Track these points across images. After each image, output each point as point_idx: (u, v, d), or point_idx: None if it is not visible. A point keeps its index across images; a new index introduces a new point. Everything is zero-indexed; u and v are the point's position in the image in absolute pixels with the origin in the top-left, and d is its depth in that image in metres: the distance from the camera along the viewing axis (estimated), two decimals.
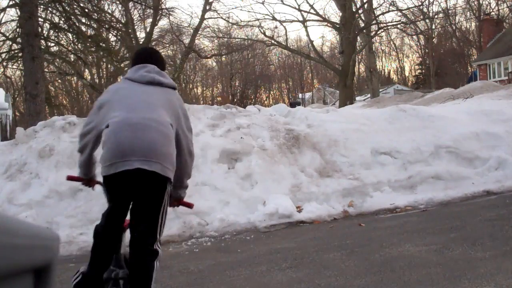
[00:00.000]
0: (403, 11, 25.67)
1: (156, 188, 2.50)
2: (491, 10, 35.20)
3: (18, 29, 12.05)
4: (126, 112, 2.50)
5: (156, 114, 2.52)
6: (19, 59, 12.28)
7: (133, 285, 2.49)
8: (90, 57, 18.26)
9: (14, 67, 16.56)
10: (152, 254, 2.53)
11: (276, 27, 31.45)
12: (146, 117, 2.49)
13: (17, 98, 33.62)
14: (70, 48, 14.99)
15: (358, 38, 23.90)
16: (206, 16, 22.98)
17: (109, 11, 20.76)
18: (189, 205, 2.98)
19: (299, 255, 4.17)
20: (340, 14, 23.59)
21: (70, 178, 3.08)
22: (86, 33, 15.41)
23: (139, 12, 25.13)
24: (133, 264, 2.53)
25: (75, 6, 13.10)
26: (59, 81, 31.71)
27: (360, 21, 24.34)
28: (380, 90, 29.97)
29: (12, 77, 30.63)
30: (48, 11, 13.56)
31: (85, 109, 36.90)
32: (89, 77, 31.86)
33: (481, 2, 37.20)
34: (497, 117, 8.42)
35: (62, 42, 14.82)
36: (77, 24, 13.42)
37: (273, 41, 25.47)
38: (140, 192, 2.51)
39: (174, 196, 2.80)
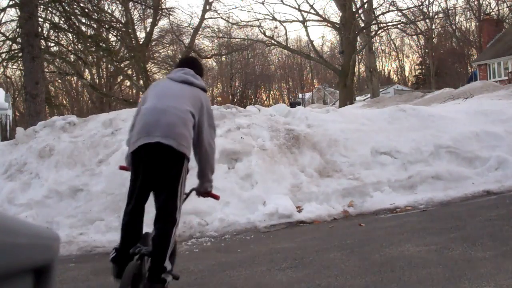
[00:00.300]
0: (403, 11, 25.67)
1: (173, 161, 2.92)
2: (491, 10, 35.21)
3: (18, 29, 12.05)
4: (155, 101, 3.04)
5: (178, 103, 3.01)
6: (19, 59, 12.28)
7: (152, 250, 2.83)
8: (90, 57, 18.24)
9: (14, 67, 16.57)
10: (172, 222, 2.89)
11: (276, 27, 31.45)
12: (170, 105, 2.99)
13: (17, 98, 33.61)
14: (70, 48, 14.98)
15: (358, 38, 23.90)
16: (206, 16, 23.01)
17: (109, 11, 20.78)
18: (216, 197, 3.35)
19: (299, 255, 4.17)
20: (340, 14, 23.59)
21: (121, 167, 3.43)
22: (86, 33, 15.41)
23: (139, 12, 25.15)
24: (155, 231, 2.90)
25: (75, 6, 13.10)
26: (59, 81, 31.68)
27: (360, 21, 24.34)
28: (380, 90, 29.97)
29: (12, 77, 30.63)
30: (48, 11, 13.56)
31: (85, 109, 36.89)
32: (89, 77, 31.86)
33: (481, 2, 37.22)
34: (497, 117, 8.42)
35: (62, 42, 14.83)
36: (77, 24, 13.42)
37: (273, 41, 25.47)
38: (160, 165, 2.90)
39: (201, 189, 3.27)
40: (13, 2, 12.66)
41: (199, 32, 23.64)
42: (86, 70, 29.81)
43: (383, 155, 7.17)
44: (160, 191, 2.94)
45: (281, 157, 6.79)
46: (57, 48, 15.36)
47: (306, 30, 27.03)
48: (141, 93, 29.10)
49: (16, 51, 12.48)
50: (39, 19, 12.20)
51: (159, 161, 2.90)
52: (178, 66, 3.38)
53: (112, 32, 17.05)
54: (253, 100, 45.44)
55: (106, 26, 15.57)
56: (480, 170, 6.97)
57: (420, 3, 28.88)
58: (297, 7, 24.33)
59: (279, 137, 7.18)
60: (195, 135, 3.06)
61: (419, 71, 48.85)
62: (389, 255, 3.93)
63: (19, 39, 11.96)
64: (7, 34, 14.81)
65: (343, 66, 23.20)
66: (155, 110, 2.99)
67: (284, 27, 30.65)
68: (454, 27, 38.64)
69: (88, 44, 14.10)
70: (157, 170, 2.91)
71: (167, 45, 27.88)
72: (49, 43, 14.32)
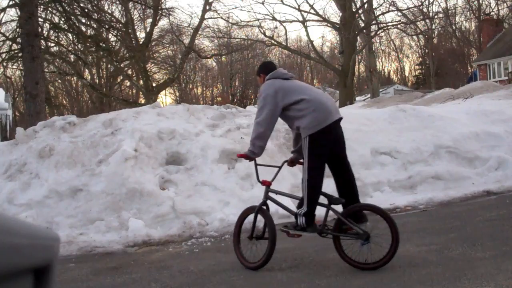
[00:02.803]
0: (403, 11, 25.68)
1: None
2: (491, 10, 35.22)
3: (18, 29, 12.05)
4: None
5: None
6: (19, 59, 12.28)
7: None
8: (90, 57, 18.27)
9: (14, 67, 16.57)
10: None
11: (276, 27, 31.43)
12: None
13: (17, 98, 33.62)
14: (70, 48, 15.00)
15: (358, 38, 23.90)
16: (206, 16, 22.96)
17: (109, 11, 20.76)
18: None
19: (299, 255, 4.17)
20: (340, 14, 23.58)
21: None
22: (86, 33, 15.42)
23: (139, 12, 25.13)
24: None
25: (75, 6, 13.10)
26: (59, 81, 31.68)
27: (360, 21, 24.34)
28: (380, 90, 29.97)
29: (12, 77, 30.63)
30: (48, 11, 13.57)
31: (85, 109, 36.91)
32: (89, 77, 31.87)
33: (481, 2, 37.23)
34: (497, 117, 8.42)
35: (62, 42, 14.83)
36: (77, 24, 13.43)
37: (273, 41, 25.46)
38: None
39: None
40: (13, 2, 12.66)
41: (199, 32, 23.62)
42: (86, 70, 29.84)
43: (383, 155, 7.16)
44: None
45: (281, 157, 6.78)
46: (57, 48, 15.38)
47: (306, 30, 26.97)
48: (141, 93, 29.13)
49: (16, 51, 12.49)
50: (39, 19, 12.21)
51: None
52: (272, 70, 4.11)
53: (112, 32, 17.07)
54: (253, 100, 45.41)
55: (106, 26, 15.58)
56: (480, 170, 6.97)
57: (420, 3, 28.91)
58: (297, 7, 24.34)
59: (279, 137, 7.18)
60: None
61: (419, 71, 48.84)
62: None
63: (19, 39, 11.97)
64: (7, 34, 14.82)
65: (343, 66, 23.20)
66: None
67: (284, 27, 30.61)
68: (454, 27, 38.66)
69: (88, 44, 14.11)
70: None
71: (167, 45, 27.88)
72: (49, 43, 14.33)
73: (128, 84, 34.71)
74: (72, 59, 16.08)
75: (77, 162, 6.34)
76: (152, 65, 27.91)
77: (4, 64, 14.85)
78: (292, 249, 4.40)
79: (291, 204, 5.83)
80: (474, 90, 13.96)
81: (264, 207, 3.96)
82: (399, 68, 54.07)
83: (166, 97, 43.95)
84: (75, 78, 28.95)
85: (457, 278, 3.23)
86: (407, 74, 53.77)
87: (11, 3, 13.01)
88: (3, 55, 13.53)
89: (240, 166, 6.47)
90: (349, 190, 3.83)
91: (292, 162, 4.20)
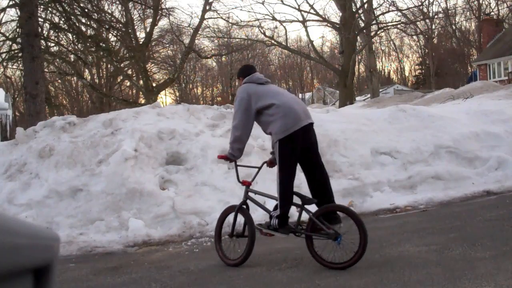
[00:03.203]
0: (403, 11, 25.68)
1: None
2: (491, 10, 35.21)
3: (18, 29, 12.04)
4: None
5: None
6: (19, 59, 12.28)
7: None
8: (90, 57, 18.25)
9: (14, 67, 16.54)
10: None
11: (276, 27, 31.45)
12: None
13: (17, 98, 33.62)
14: (70, 48, 14.99)
15: (358, 38, 23.89)
16: (206, 16, 22.93)
17: (109, 11, 20.76)
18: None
19: (299, 255, 4.17)
20: (340, 14, 23.57)
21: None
22: (86, 33, 15.41)
23: (139, 12, 25.11)
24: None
25: (75, 6, 13.10)
26: (59, 81, 31.67)
27: (360, 21, 24.33)
28: (380, 90, 29.98)
29: (12, 77, 30.64)
30: (48, 11, 13.56)
31: (85, 109, 36.90)
32: (89, 77, 31.86)
33: (481, 2, 37.22)
34: (497, 117, 8.42)
35: (62, 42, 14.82)
36: (77, 24, 13.42)
37: (273, 41, 25.45)
38: None
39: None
40: (13, 2, 12.65)
41: (199, 32, 23.59)
42: (86, 70, 29.83)
43: (383, 155, 7.16)
44: None
45: None
46: (57, 48, 15.37)
47: (306, 30, 26.96)
48: (141, 93, 29.13)
49: (16, 51, 12.48)
50: (39, 19, 12.20)
51: None
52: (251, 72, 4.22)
53: (112, 32, 17.07)
54: None
55: (106, 26, 15.57)
56: (480, 170, 6.97)
57: (420, 3, 28.94)
58: (297, 7, 24.33)
59: None
60: None
61: (419, 71, 48.84)
62: (389, 255, 3.93)
63: (19, 39, 11.96)
64: (7, 34, 14.80)
65: (343, 66, 23.19)
66: None
67: (284, 27, 30.60)
68: (454, 27, 38.65)
69: (88, 44, 14.11)
70: None
71: (167, 45, 27.88)
72: (49, 43, 14.32)
73: (128, 84, 34.71)
74: (72, 59, 16.07)
75: (77, 162, 6.33)
76: (152, 65, 27.91)
77: (4, 64, 14.83)
78: (292, 249, 4.40)
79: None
80: (474, 90, 13.96)
81: (244, 207, 4.15)
82: (399, 68, 54.11)
83: (166, 97, 44.00)
84: (75, 78, 28.94)
85: (457, 278, 3.23)
86: (407, 74, 53.82)
87: (11, 3, 13.00)
88: (3, 55, 13.52)
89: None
90: (322, 191, 3.95)
91: (271, 163, 4.33)
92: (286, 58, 49.21)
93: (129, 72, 25.59)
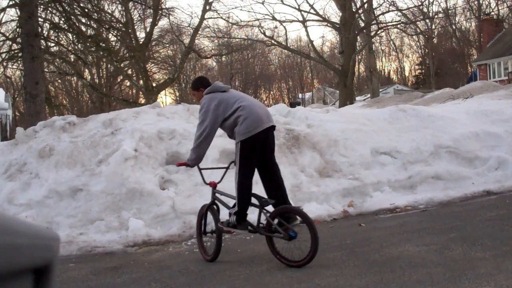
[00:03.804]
0: (403, 11, 25.68)
1: None
2: (491, 10, 35.22)
3: (18, 29, 12.04)
4: None
5: None
6: (19, 59, 12.27)
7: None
8: (90, 57, 18.24)
9: (14, 67, 16.56)
10: None
11: (276, 27, 31.33)
12: None
13: (17, 98, 33.61)
14: (70, 48, 14.98)
15: (358, 38, 23.90)
16: (206, 16, 22.93)
17: (109, 11, 20.76)
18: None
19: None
20: (340, 14, 23.58)
21: None
22: (86, 33, 15.40)
23: (139, 12, 25.13)
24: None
25: (75, 6, 13.09)
26: (59, 81, 31.67)
27: (360, 21, 24.33)
28: (380, 90, 29.97)
29: (12, 77, 30.64)
30: (48, 11, 13.55)
31: (85, 109, 36.90)
32: (89, 77, 31.86)
33: (481, 2, 37.22)
34: (497, 117, 8.42)
35: (62, 42, 14.82)
36: (77, 24, 13.41)
37: (273, 41, 25.46)
38: None
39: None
40: (13, 2, 12.65)
41: (199, 32, 23.60)
42: (86, 70, 29.83)
43: (383, 155, 7.16)
44: None
45: (281, 157, 6.79)
46: (57, 48, 15.36)
47: (306, 30, 27.00)
48: (141, 93, 29.15)
49: (16, 51, 12.47)
50: (39, 19, 12.20)
51: None
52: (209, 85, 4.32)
53: (112, 32, 17.06)
54: None
55: (106, 26, 15.57)
56: (480, 170, 6.97)
57: (420, 3, 28.94)
58: (297, 7, 24.35)
59: (279, 137, 7.18)
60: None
61: (419, 71, 48.84)
62: (389, 255, 3.93)
63: (19, 39, 11.96)
64: (7, 34, 14.80)
65: (343, 66, 23.20)
66: None
67: (284, 27, 30.63)
68: (454, 27, 38.66)
69: (88, 44, 14.10)
70: None
71: (167, 45, 27.87)
72: (49, 43, 14.30)
73: (128, 84, 34.73)
74: (72, 59, 16.06)
75: (77, 162, 6.34)
76: (152, 65, 27.90)
77: (4, 64, 14.84)
78: None
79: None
80: (474, 90, 13.96)
81: (215, 207, 4.37)
82: (399, 68, 54.11)
83: (166, 97, 44.01)
84: (75, 78, 28.94)
85: (457, 278, 3.23)
86: (407, 74, 53.81)
87: (11, 3, 13.00)
88: (3, 55, 13.51)
89: None
90: (278, 193, 4.10)
91: None
92: (286, 58, 49.20)
93: (129, 72, 25.60)
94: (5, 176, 6.38)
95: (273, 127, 4.12)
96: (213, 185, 4.42)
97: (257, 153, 4.03)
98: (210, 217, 4.42)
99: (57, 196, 5.93)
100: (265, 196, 4.12)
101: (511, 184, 6.57)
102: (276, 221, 3.90)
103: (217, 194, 4.39)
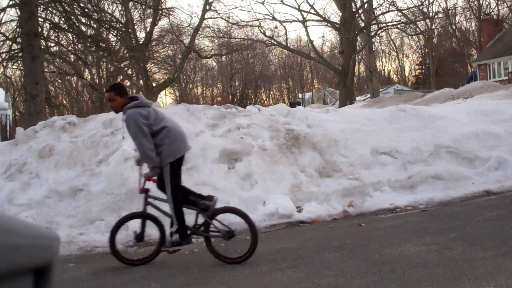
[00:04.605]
0: (403, 11, 25.66)
1: None
2: (491, 10, 35.21)
3: (18, 29, 12.04)
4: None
5: None
6: (19, 59, 12.26)
7: None
8: (90, 57, 18.26)
9: (14, 67, 16.56)
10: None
11: (276, 27, 31.29)
12: None
13: (17, 98, 33.61)
14: (70, 48, 14.98)
15: (358, 38, 23.88)
16: (206, 16, 22.94)
17: (109, 11, 20.80)
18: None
19: (299, 255, 4.17)
20: (340, 14, 23.57)
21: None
22: (86, 33, 15.40)
23: (139, 12, 25.13)
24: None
25: (75, 6, 13.08)
26: (59, 81, 31.69)
27: (360, 21, 24.32)
28: (380, 90, 29.95)
29: (12, 77, 30.66)
30: (48, 11, 13.55)
31: (85, 109, 36.89)
32: (89, 77, 31.85)
33: (481, 2, 37.22)
34: (497, 117, 8.42)
35: (62, 42, 14.82)
36: (77, 24, 13.40)
37: (273, 41, 25.44)
38: None
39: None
40: (13, 2, 12.65)
41: (199, 32, 23.61)
42: (86, 70, 29.82)
43: (383, 155, 7.16)
44: None
45: (281, 157, 6.79)
46: (57, 48, 15.36)
47: (306, 30, 26.98)
48: (141, 93, 29.15)
49: (16, 51, 12.46)
50: (39, 19, 12.19)
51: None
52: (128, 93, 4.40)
53: (112, 32, 17.05)
54: (253, 100, 45.41)
55: (106, 26, 15.56)
56: (480, 170, 6.97)
57: (420, 3, 28.92)
58: (297, 7, 24.33)
59: (279, 137, 7.18)
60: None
61: (419, 71, 48.83)
62: (389, 255, 3.93)
63: (19, 39, 11.95)
64: (7, 34, 14.81)
65: (343, 66, 23.19)
66: None
67: (284, 27, 30.59)
68: (454, 27, 38.64)
69: (88, 44, 14.08)
70: None
71: (167, 45, 27.89)
72: (49, 43, 14.31)
73: (128, 84, 34.69)
74: (72, 59, 16.07)
75: (77, 162, 6.34)
76: (152, 65, 27.90)
77: (4, 64, 14.84)
78: (292, 249, 4.40)
79: (291, 205, 5.83)
80: (474, 90, 13.96)
81: (155, 216, 4.50)
82: (399, 68, 54.10)
83: (166, 97, 44.01)
84: (75, 78, 28.95)
85: (457, 278, 3.23)
86: (407, 74, 53.79)
87: (11, 3, 13.00)
88: (3, 55, 13.51)
89: (240, 166, 6.47)
90: (192, 194, 4.44)
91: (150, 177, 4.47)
92: (286, 58, 49.16)
93: (129, 72, 25.58)
94: (5, 176, 6.38)
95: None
96: (146, 191, 4.46)
97: (181, 172, 4.34)
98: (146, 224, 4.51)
99: (57, 196, 5.93)
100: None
101: (511, 184, 6.57)
102: (214, 221, 4.23)
103: (149, 200, 4.46)
